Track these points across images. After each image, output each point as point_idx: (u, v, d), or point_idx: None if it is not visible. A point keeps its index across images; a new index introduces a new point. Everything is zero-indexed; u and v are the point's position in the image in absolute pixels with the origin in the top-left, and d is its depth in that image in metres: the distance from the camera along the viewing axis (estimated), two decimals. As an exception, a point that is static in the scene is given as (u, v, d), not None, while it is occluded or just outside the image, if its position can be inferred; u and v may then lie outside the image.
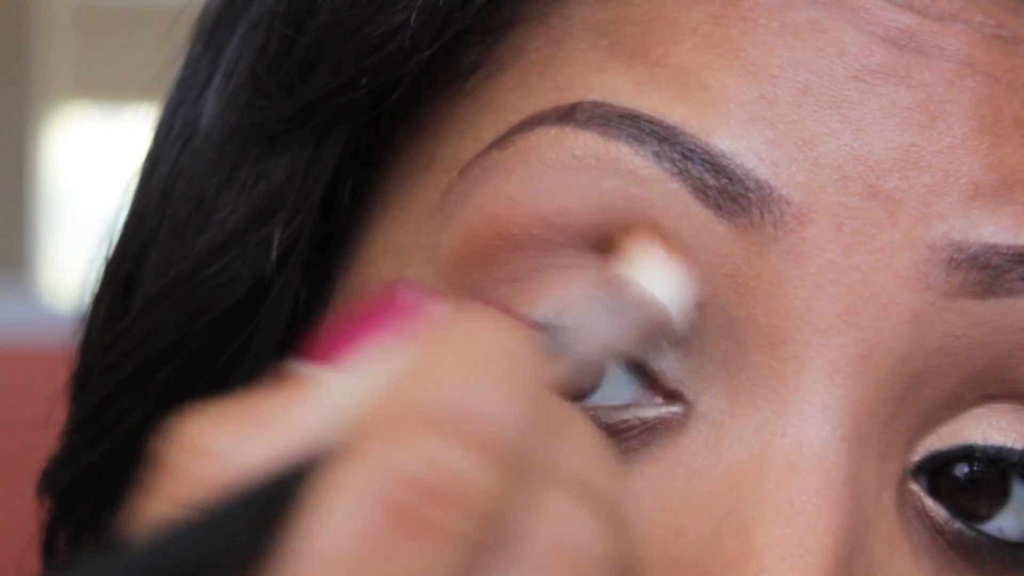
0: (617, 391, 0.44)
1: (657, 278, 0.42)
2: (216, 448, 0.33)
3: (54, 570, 0.55)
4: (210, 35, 0.52)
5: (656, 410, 0.44)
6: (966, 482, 0.44)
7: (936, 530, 0.44)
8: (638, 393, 0.44)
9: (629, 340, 0.40)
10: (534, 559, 0.32)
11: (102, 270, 0.55)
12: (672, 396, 0.44)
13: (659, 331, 0.41)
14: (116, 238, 0.54)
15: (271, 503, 0.32)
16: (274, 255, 0.48)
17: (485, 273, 0.45)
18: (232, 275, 0.48)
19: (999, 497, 0.45)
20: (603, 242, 0.44)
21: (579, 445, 0.35)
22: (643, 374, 0.44)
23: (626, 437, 0.43)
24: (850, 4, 0.43)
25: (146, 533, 0.32)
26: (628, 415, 0.43)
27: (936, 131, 0.43)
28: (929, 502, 0.44)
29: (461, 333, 0.34)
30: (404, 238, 0.47)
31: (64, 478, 0.53)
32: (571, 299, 0.42)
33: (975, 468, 0.44)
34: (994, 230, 0.43)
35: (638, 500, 0.43)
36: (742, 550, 0.41)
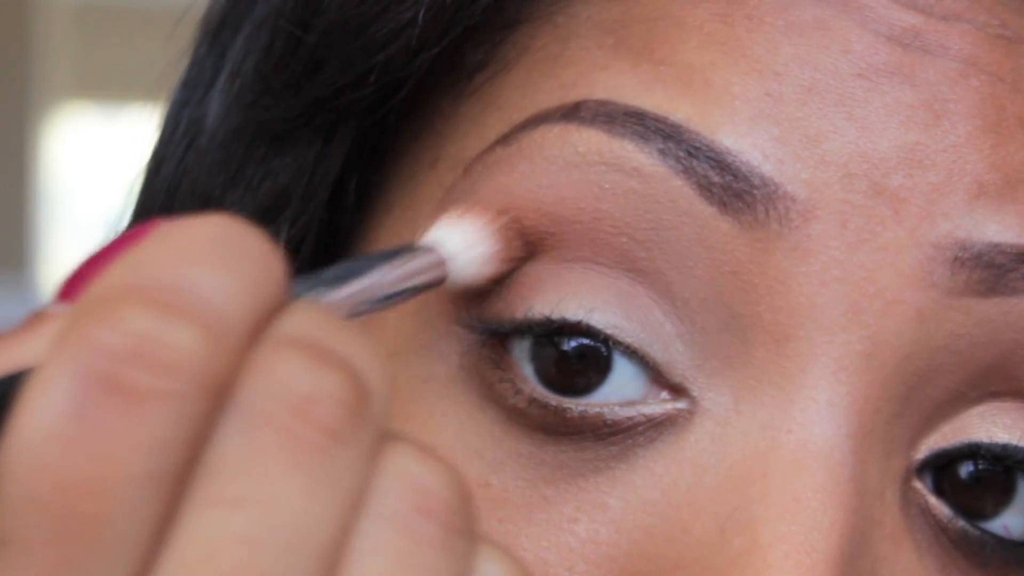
0: (623, 387, 0.44)
1: (447, 234, 0.42)
2: None
3: None
4: (215, 36, 0.52)
5: (662, 406, 0.44)
6: (971, 481, 0.44)
7: (940, 528, 0.44)
8: (644, 389, 0.44)
9: (389, 283, 0.40)
10: (262, 415, 0.31)
11: None
12: (677, 390, 0.44)
13: (431, 278, 0.41)
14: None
15: None
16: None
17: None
18: None
19: (1004, 496, 0.45)
20: (600, 240, 0.44)
21: (303, 310, 0.33)
22: (648, 367, 0.44)
23: (632, 434, 0.44)
24: (855, 3, 0.44)
25: None
26: (633, 412, 0.44)
27: (940, 130, 0.43)
28: (933, 500, 0.44)
29: (176, 226, 0.33)
30: (407, 235, 0.47)
31: None
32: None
33: (980, 466, 0.44)
34: (998, 229, 0.43)
35: (644, 496, 0.43)
36: (747, 546, 0.41)
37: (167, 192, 0.52)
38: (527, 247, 0.44)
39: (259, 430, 0.31)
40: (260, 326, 0.32)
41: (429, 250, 0.42)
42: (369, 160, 0.49)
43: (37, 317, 0.34)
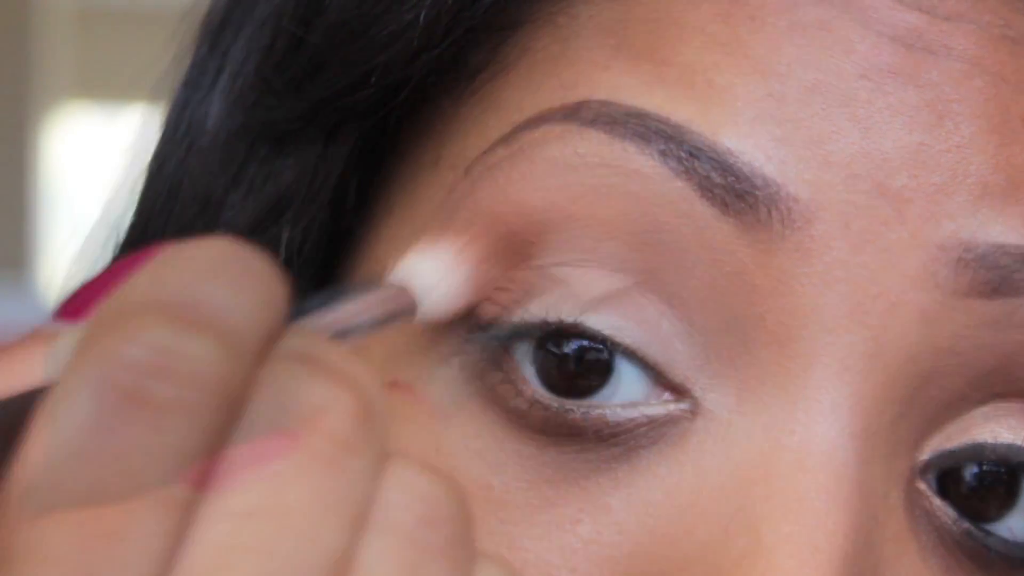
0: (626, 390, 0.44)
1: (422, 268, 0.42)
2: None
3: None
4: (216, 36, 0.52)
5: (664, 407, 0.44)
6: (975, 483, 0.44)
7: (944, 530, 0.44)
8: (647, 391, 0.44)
9: (367, 318, 0.40)
10: (274, 426, 0.32)
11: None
12: (679, 391, 0.44)
13: (401, 311, 0.41)
14: (121, 239, 0.54)
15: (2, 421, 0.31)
16: (283, 255, 0.47)
17: (484, 272, 0.44)
18: None
19: (1009, 498, 0.45)
20: (599, 241, 0.44)
21: (302, 330, 0.34)
22: (650, 368, 0.44)
23: (634, 435, 0.43)
24: (858, 3, 0.43)
25: None
26: (636, 413, 0.43)
27: (944, 130, 0.43)
28: (937, 502, 0.44)
29: (184, 247, 0.33)
30: (408, 237, 0.47)
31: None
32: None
33: (984, 468, 0.44)
34: (1002, 230, 0.43)
35: (646, 497, 0.43)
36: (751, 548, 0.41)
37: (168, 193, 0.52)
38: (520, 251, 0.44)
39: (271, 441, 0.32)
40: (269, 343, 0.33)
41: (399, 287, 0.42)
42: (369, 161, 0.49)
43: (35, 335, 0.34)
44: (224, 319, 0.32)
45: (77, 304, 0.35)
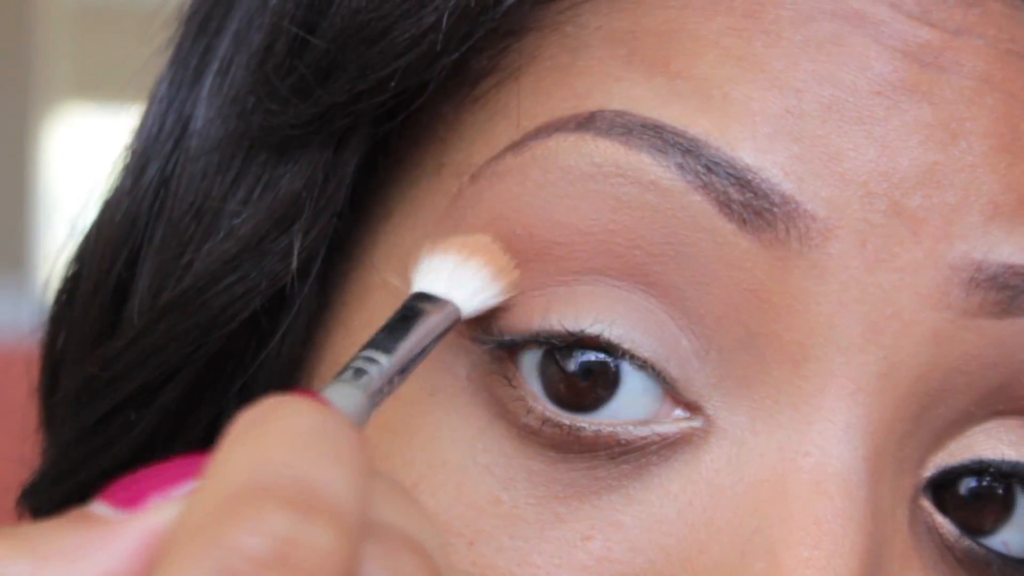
0: (633, 402, 0.43)
1: (449, 279, 0.42)
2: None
3: None
4: (198, 31, 0.51)
5: (676, 425, 0.43)
6: (971, 497, 0.44)
7: (946, 546, 0.44)
8: (655, 404, 0.43)
9: (415, 350, 0.41)
10: None
11: (79, 271, 0.53)
12: (692, 408, 0.43)
13: (443, 331, 0.42)
14: (97, 239, 0.52)
15: None
16: (295, 264, 0.47)
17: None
18: (249, 286, 0.47)
19: (1004, 512, 0.45)
20: (614, 252, 0.43)
21: (395, 501, 0.35)
22: (663, 382, 0.43)
23: (645, 452, 0.43)
24: (870, 18, 0.43)
25: None
26: (647, 431, 0.43)
27: (958, 149, 0.43)
28: (939, 518, 0.44)
29: (268, 417, 0.33)
30: (410, 244, 0.46)
31: (55, 495, 0.52)
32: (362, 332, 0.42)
33: (981, 483, 0.44)
34: (1012, 250, 0.43)
35: (659, 515, 0.43)
36: (769, 570, 0.41)
37: (155, 195, 0.50)
38: (536, 259, 0.43)
39: None
40: (366, 510, 0.33)
41: (441, 305, 0.42)
42: (363, 166, 0.48)
43: (81, 519, 0.33)
44: (336, 500, 0.32)
45: (127, 490, 0.34)
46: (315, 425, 0.33)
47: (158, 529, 0.33)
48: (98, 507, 0.34)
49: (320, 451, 0.32)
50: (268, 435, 0.33)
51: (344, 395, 0.38)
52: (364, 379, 0.39)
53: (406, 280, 0.45)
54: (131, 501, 0.34)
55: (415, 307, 0.42)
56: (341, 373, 0.39)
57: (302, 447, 0.32)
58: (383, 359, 0.39)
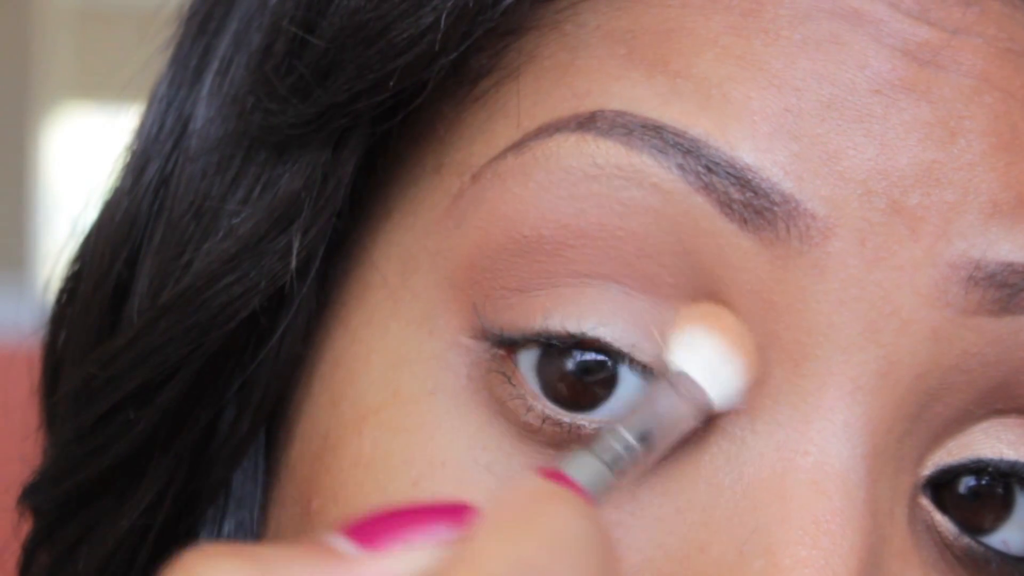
0: (630, 398, 0.43)
1: (706, 363, 0.42)
2: None
3: None
4: (198, 31, 0.51)
5: None
6: (970, 495, 0.44)
7: (945, 545, 0.44)
8: None
9: (674, 437, 0.42)
10: None
11: (80, 270, 0.53)
12: None
13: (701, 417, 0.42)
14: (97, 239, 0.53)
15: None
16: (294, 264, 0.47)
17: (496, 280, 0.44)
18: (248, 285, 0.47)
19: (1003, 510, 0.45)
20: (623, 259, 0.43)
21: None
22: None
23: None
24: (868, 17, 0.43)
25: None
26: None
27: (957, 148, 0.43)
28: (938, 517, 0.44)
29: (529, 516, 0.35)
30: (410, 243, 0.46)
31: (55, 495, 0.52)
32: (620, 412, 0.43)
33: (981, 482, 0.44)
34: (1011, 248, 0.43)
35: (657, 513, 0.43)
36: (768, 569, 0.41)
37: (154, 194, 0.50)
38: (540, 259, 0.44)
39: None
40: None
41: (689, 386, 0.42)
42: (364, 165, 0.48)
43: (322, 552, 0.34)
44: None
45: (374, 531, 0.36)
46: (579, 534, 0.34)
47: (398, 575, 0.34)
48: (338, 541, 0.35)
49: (579, 565, 0.34)
50: (531, 535, 0.34)
51: (592, 471, 0.39)
52: (611, 456, 0.40)
53: (406, 280, 0.45)
54: (372, 540, 0.35)
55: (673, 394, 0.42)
56: (592, 445, 0.40)
57: (562, 558, 0.34)
58: (635, 442, 0.41)
